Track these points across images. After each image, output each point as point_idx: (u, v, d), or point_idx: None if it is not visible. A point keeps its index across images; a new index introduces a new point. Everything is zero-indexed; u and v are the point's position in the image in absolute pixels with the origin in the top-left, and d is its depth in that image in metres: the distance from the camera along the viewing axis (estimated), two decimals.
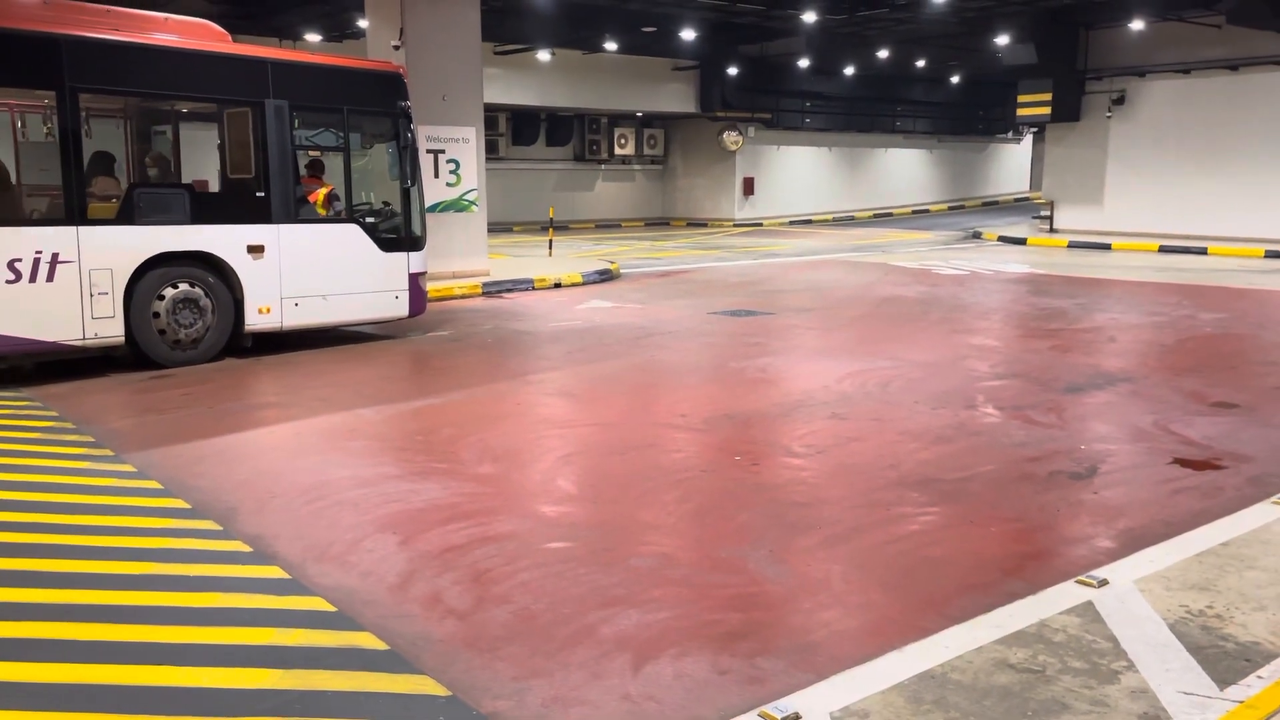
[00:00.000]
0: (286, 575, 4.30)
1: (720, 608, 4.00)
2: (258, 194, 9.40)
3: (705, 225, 32.78)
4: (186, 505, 5.22)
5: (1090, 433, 6.77)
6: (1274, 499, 5.15)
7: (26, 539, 4.71)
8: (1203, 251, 20.71)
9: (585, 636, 3.74)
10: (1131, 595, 3.96)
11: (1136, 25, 22.56)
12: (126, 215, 8.65)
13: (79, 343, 8.40)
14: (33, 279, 8.06)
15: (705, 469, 5.94)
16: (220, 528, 4.89)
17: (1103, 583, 4.07)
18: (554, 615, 3.92)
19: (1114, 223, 24.03)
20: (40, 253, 8.09)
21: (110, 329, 8.52)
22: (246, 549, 4.61)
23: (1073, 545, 4.71)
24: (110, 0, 9.42)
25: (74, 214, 8.31)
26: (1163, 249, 21.42)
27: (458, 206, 14.97)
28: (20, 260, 8.00)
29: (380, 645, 3.65)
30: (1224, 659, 3.45)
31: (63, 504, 5.23)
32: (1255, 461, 5.98)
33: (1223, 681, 3.30)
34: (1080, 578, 4.14)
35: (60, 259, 8.18)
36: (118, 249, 8.54)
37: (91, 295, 8.37)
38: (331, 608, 3.97)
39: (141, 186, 9.04)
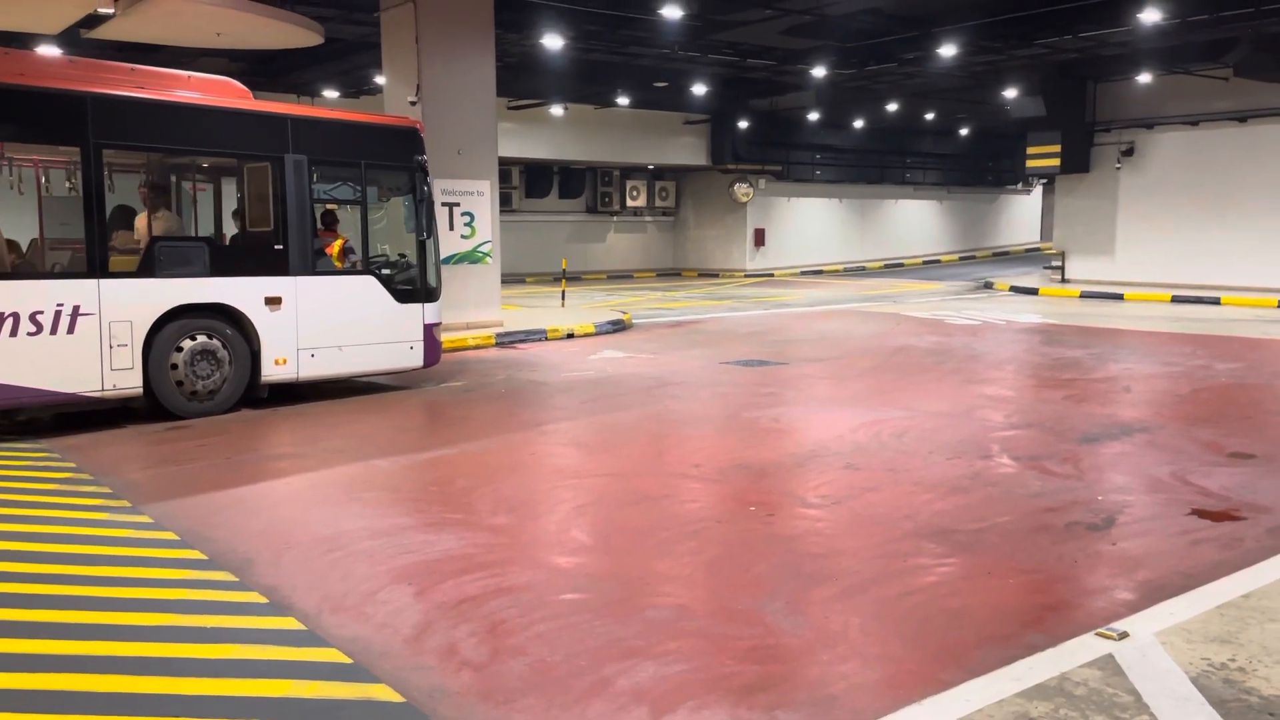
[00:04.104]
0: (302, 627, 4.30)
1: (737, 660, 3.97)
2: (276, 247, 9.52)
3: (717, 276, 32.93)
4: (203, 556, 5.23)
5: (1107, 483, 6.73)
6: None
7: (43, 590, 4.72)
8: (1216, 301, 20.70)
9: (602, 689, 3.72)
10: (1153, 648, 3.92)
11: (1144, 78, 22.81)
12: (147, 268, 8.77)
13: (98, 394, 8.47)
14: (54, 331, 8.16)
15: (720, 520, 5.93)
16: (236, 579, 4.89)
17: (1123, 635, 4.03)
18: (570, 667, 3.90)
19: (1126, 273, 24.08)
20: (62, 305, 8.20)
21: (129, 380, 8.60)
22: (262, 600, 4.61)
23: (1092, 597, 4.67)
24: (134, 59, 9.63)
25: (95, 267, 8.43)
26: (1175, 299, 21.41)
27: (472, 258, 15.12)
28: (42, 313, 8.10)
29: (396, 698, 3.64)
30: (1248, 713, 3.41)
31: (80, 555, 5.24)
32: (1274, 512, 5.93)
33: None
34: (1100, 630, 4.11)
35: (81, 311, 8.29)
36: (138, 301, 8.65)
37: (111, 347, 8.46)
38: (347, 659, 3.96)
39: (162, 240, 9.17)
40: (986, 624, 4.32)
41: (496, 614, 4.43)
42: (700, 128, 30.68)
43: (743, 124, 29.84)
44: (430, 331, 10.60)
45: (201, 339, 9.03)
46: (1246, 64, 20.49)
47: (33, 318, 8.06)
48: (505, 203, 27.89)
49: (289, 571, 5.02)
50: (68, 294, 8.25)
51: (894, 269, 35.87)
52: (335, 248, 10.14)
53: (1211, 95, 22.45)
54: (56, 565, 5.06)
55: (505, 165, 27.33)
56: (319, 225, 10.13)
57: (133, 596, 4.64)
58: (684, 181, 34.57)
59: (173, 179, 10.21)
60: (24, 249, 9.04)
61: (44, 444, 8.03)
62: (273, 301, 9.44)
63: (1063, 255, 25.59)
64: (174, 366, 8.87)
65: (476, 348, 14.28)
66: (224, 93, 9.60)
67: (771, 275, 32.90)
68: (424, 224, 10.44)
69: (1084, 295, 22.98)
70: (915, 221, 38.64)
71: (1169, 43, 19.63)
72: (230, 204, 10.33)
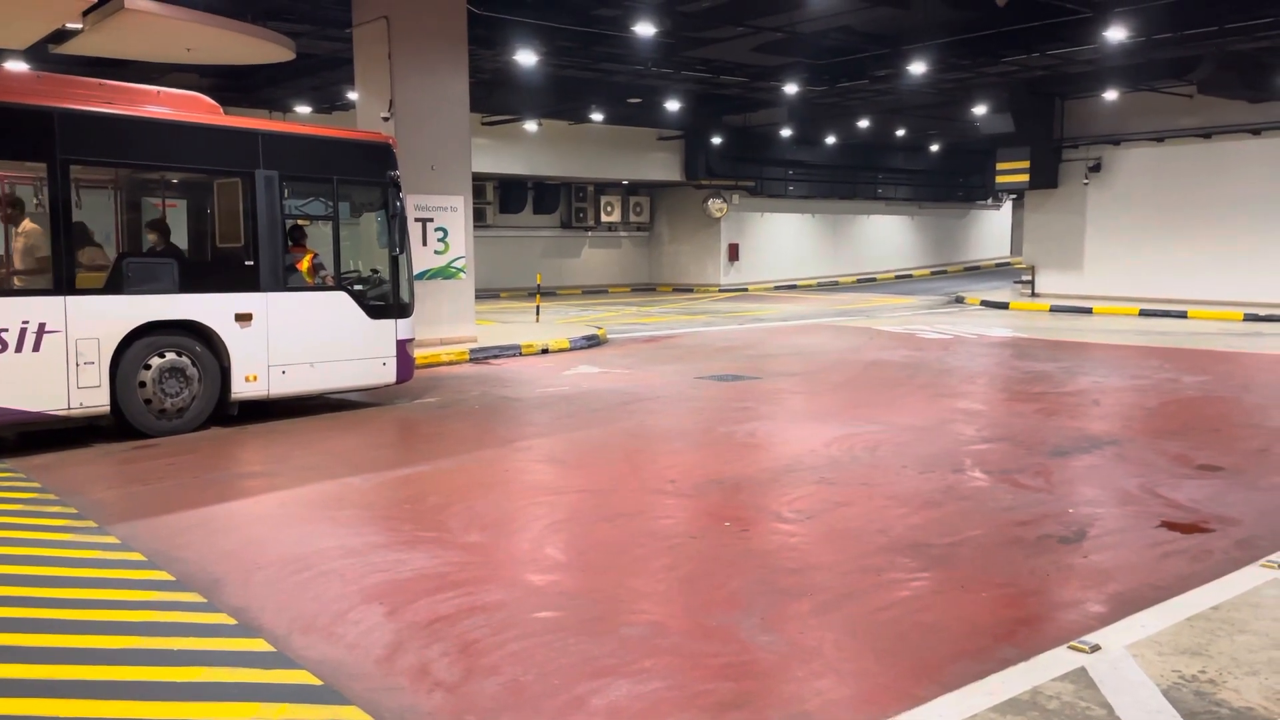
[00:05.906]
0: (271, 648, 4.24)
1: (712, 677, 3.95)
2: (246, 263, 9.44)
3: (691, 291, 33.02)
4: (170, 577, 5.15)
5: (1078, 496, 6.78)
6: (1262, 562, 5.15)
7: (7, 613, 4.63)
8: (1183, 315, 20.96)
9: (576, 708, 3.69)
10: (1124, 661, 3.94)
11: (1110, 96, 23.15)
12: (114, 285, 8.67)
13: (64, 412, 8.35)
14: (19, 349, 8.04)
15: (695, 535, 5.92)
16: (204, 600, 4.82)
17: (1095, 648, 4.05)
18: (544, 686, 3.87)
19: (1094, 287, 24.36)
20: (27, 323, 8.08)
21: (95, 398, 8.48)
22: (231, 621, 4.55)
23: (1064, 610, 4.70)
24: (103, 74, 9.54)
25: (62, 284, 8.32)
26: (1143, 313, 21.66)
27: (446, 274, 15.06)
28: (6, 330, 7.98)
29: None
30: None
31: (45, 577, 5.15)
32: (1242, 524, 6.00)
33: None
34: (1072, 643, 4.12)
35: (47, 329, 8.17)
36: (105, 318, 8.54)
37: (78, 365, 8.34)
38: (317, 681, 3.91)
39: (130, 256, 9.07)
40: (960, 638, 4.33)
41: (469, 633, 4.39)
42: (674, 144, 30.81)
43: (716, 140, 30.01)
44: (403, 347, 10.54)
45: (170, 356, 8.92)
46: (1210, 81, 20.85)
47: None
48: (479, 218, 27.89)
49: (258, 592, 4.96)
50: (33, 311, 8.14)
51: (866, 284, 36.11)
52: (305, 263, 10.07)
53: (1177, 112, 22.81)
54: (20, 587, 4.97)
55: (479, 181, 27.30)
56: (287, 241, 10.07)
57: (98, 619, 4.56)
58: (658, 197, 34.68)
59: (142, 195, 10.10)
60: None
61: (8, 463, 7.89)
62: (243, 318, 9.36)
63: (1032, 270, 25.86)
64: (142, 384, 8.76)
65: (450, 363, 14.21)
66: (194, 108, 9.53)
67: (745, 290, 33.02)
68: (397, 239, 10.40)
69: (1054, 309, 23.21)
70: (887, 236, 38.96)
71: (1135, 60, 19.94)
72: (201, 220, 10.21)
